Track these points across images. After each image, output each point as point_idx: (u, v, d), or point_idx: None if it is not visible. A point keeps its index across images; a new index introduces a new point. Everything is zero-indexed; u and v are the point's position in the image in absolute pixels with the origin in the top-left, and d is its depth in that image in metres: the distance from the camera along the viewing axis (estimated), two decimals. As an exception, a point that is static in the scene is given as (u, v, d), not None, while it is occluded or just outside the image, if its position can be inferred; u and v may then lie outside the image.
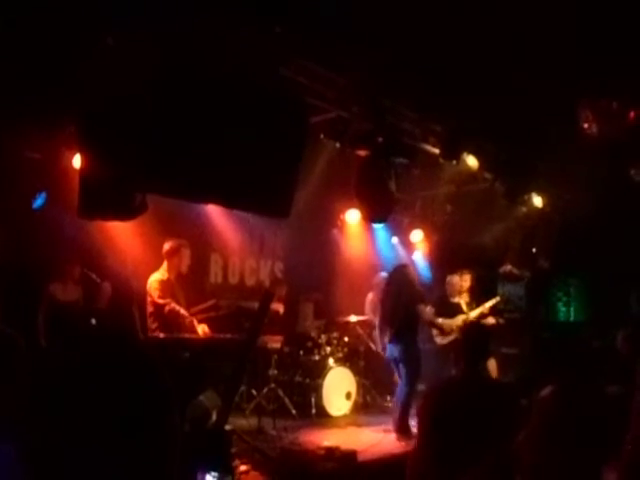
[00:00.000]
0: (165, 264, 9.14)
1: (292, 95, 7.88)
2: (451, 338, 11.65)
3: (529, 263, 14.11)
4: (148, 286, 9.03)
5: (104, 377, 1.49)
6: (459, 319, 11.66)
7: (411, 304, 10.02)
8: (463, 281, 11.99)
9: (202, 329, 8.97)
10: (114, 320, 9.72)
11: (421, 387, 12.55)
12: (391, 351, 10.11)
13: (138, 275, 9.70)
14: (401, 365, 10.00)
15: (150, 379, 1.55)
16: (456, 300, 11.95)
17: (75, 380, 1.49)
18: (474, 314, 11.66)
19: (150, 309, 8.99)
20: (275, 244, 13.61)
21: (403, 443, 9.12)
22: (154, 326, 8.89)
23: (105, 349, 1.58)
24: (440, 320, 11.71)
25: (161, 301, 8.87)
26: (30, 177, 9.11)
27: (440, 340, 11.76)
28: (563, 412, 2.93)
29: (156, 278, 9.04)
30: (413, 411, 9.24)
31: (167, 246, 9.18)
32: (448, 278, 12.29)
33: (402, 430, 9.57)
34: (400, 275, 10.30)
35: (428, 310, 11.00)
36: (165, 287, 9.00)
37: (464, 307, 11.86)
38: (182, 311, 8.96)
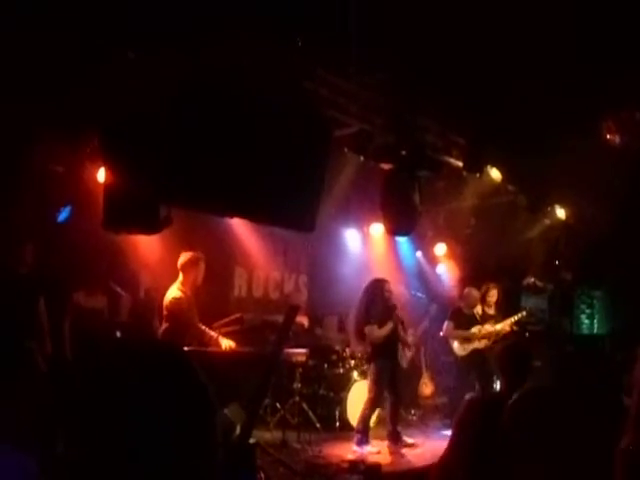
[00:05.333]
0: (181, 277, 8.86)
1: (315, 109, 7.90)
2: (470, 349, 11.70)
3: (552, 275, 14.08)
4: (167, 303, 8.78)
5: (148, 381, 1.52)
6: (474, 330, 11.73)
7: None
8: (490, 296, 12.05)
9: (226, 344, 8.95)
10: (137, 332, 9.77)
11: (443, 400, 12.60)
12: None
13: (161, 288, 9.73)
14: None
15: (191, 380, 1.58)
16: (472, 312, 11.98)
17: (119, 385, 1.52)
18: (499, 327, 11.69)
19: (166, 325, 8.81)
20: (299, 257, 13.61)
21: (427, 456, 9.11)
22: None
23: (145, 353, 1.61)
24: (458, 332, 11.80)
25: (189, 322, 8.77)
26: (55, 190, 9.18)
27: (460, 352, 11.78)
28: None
29: (175, 296, 8.75)
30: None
31: (184, 258, 8.86)
32: (466, 290, 12.31)
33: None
34: (364, 291, 10.50)
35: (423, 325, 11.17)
36: (187, 304, 8.78)
37: (478, 318, 11.90)
38: (207, 330, 8.94)
